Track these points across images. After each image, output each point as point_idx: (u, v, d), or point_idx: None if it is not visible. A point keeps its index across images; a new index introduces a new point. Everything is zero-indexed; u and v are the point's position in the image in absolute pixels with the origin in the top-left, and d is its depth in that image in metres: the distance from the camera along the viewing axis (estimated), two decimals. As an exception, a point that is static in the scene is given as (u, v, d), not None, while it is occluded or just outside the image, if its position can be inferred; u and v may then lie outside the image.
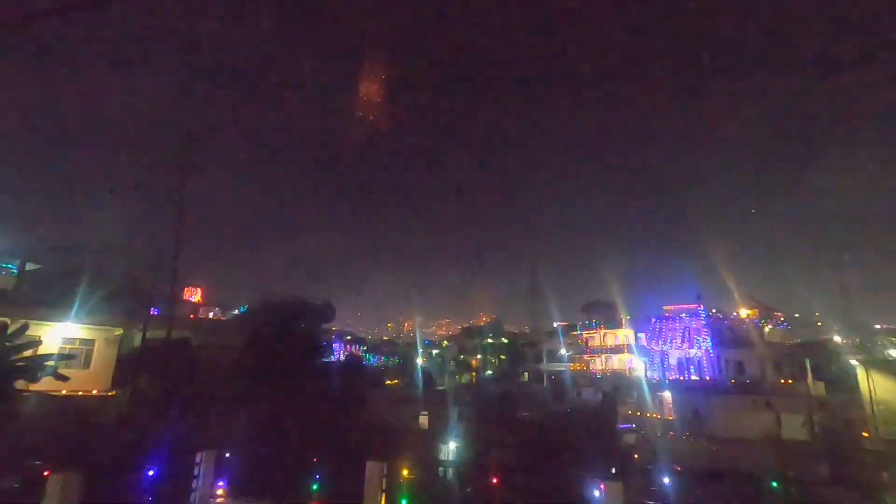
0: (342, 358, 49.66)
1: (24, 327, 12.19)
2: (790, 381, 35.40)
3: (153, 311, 43.89)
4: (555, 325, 66.41)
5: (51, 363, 12.65)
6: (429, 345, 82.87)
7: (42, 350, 18.26)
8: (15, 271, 28.54)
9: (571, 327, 62.11)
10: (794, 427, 26.38)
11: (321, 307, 33.03)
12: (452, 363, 63.57)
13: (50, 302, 20.94)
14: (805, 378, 32.76)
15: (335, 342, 53.27)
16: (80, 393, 17.78)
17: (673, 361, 46.12)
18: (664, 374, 43.74)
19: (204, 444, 9.70)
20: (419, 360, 61.42)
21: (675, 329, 46.68)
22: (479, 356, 62.94)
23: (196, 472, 7.74)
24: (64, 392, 17.56)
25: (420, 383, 46.58)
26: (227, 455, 8.17)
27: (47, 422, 13.35)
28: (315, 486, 7.95)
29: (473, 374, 60.47)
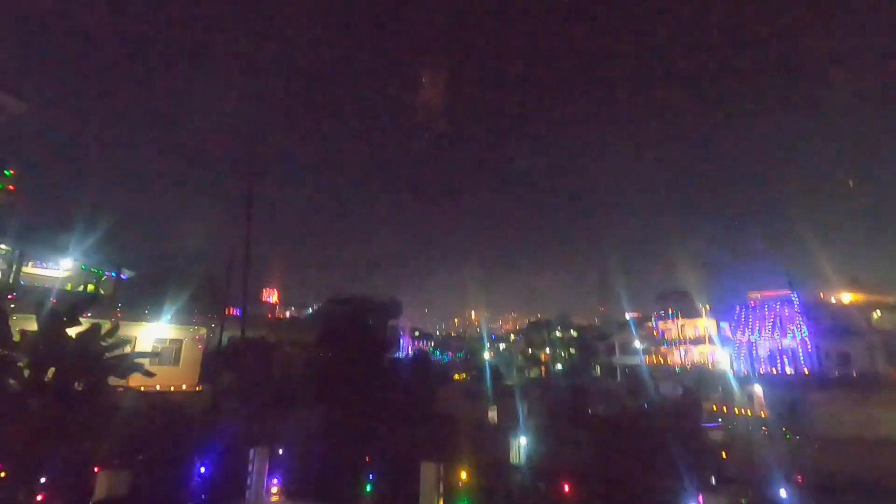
0: (410, 353, 50.48)
1: (116, 327, 13.26)
2: (908, 374, 31.19)
3: (235, 312, 46.97)
4: (627, 316, 63.41)
5: (140, 360, 13.63)
6: (496, 339, 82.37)
7: (138, 348, 19.97)
8: (115, 276, 31.51)
9: (645, 318, 58.97)
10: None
11: (388, 304, 33.64)
12: (520, 357, 62.64)
13: (143, 305, 22.88)
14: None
15: (402, 338, 54.18)
16: (172, 388, 19.16)
17: (763, 353, 42.27)
18: (753, 367, 40.18)
19: (273, 439, 9.99)
20: (486, 355, 61.11)
21: (765, 317, 42.73)
22: (547, 350, 61.53)
23: (249, 469, 7.79)
24: (157, 387, 19.03)
25: (488, 378, 46.20)
26: (281, 452, 8.06)
27: (140, 416, 14.33)
28: (368, 487, 7.62)
29: (542, 368, 59.22)
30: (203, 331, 21.32)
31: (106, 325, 12.79)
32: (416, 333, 77.87)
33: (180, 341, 21.22)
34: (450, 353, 76.78)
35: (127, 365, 12.47)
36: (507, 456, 20.98)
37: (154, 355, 17.13)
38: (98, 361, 11.28)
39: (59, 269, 28.55)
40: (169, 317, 21.05)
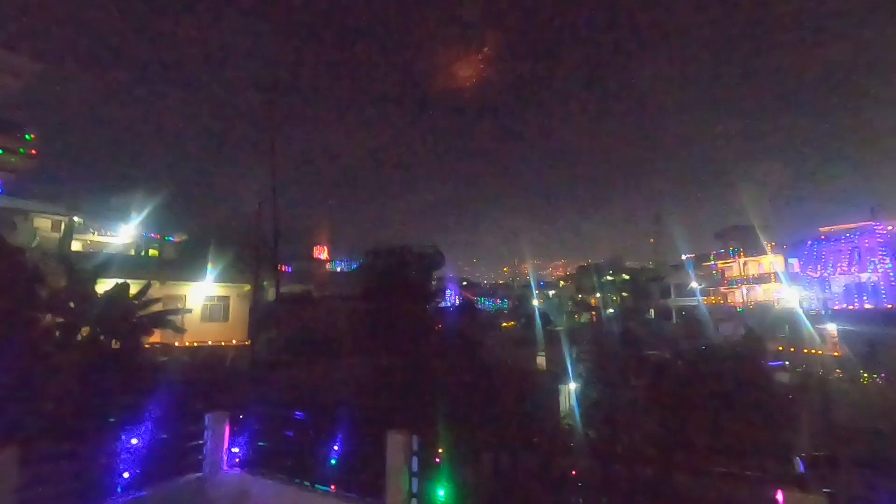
0: (456, 303, 50.64)
1: (147, 286, 13.60)
2: None
3: (287, 269, 48.55)
4: (683, 256, 60.26)
5: (172, 317, 13.95)
6: (545, 286, 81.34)
7: (188, 306, 20.73)
8: (171, 240, 33.04)
9: (704, 258, 55.80)
10: None
11: (430, 254, 33.36)
12: (570, 303, 61.61)
13: (192, 265, 23.67)
14: None
15: (449, 287, 54.36)
16: (223, 343, 19.88)
17: (837, 289, 39.00)
18: (826, 304, 37.21)
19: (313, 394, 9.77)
20: (535, 302, 60.47)
21: (840, 251, 39.09)
22: (598, 295, 60.01)
23: (204, 437, 7.32)
24: (210, 343, 19.78)
25: (537, 325, 45.73)
26: (241, 417, 7.43)
27: (191, 369, 14.75)
28: (333, 461, 6.70)
29: (593, 313, 58.02)
30: (248, 287, 21.84)
31: (137, 286, 13.12)
32: (465, 283, 78.17)
33: (227, 298, 21.91)
34: (498, 301, 76.90)
35: (156, 321, 12.77)
36: (556, 403, 20.64)
37: (187, 311, 17.71)
38: (127, 319, 11.56)
39: (120, 236, 30.05)
40: (215, 275, 21.64)
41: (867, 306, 34.97)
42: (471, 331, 29.39)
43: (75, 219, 25.01)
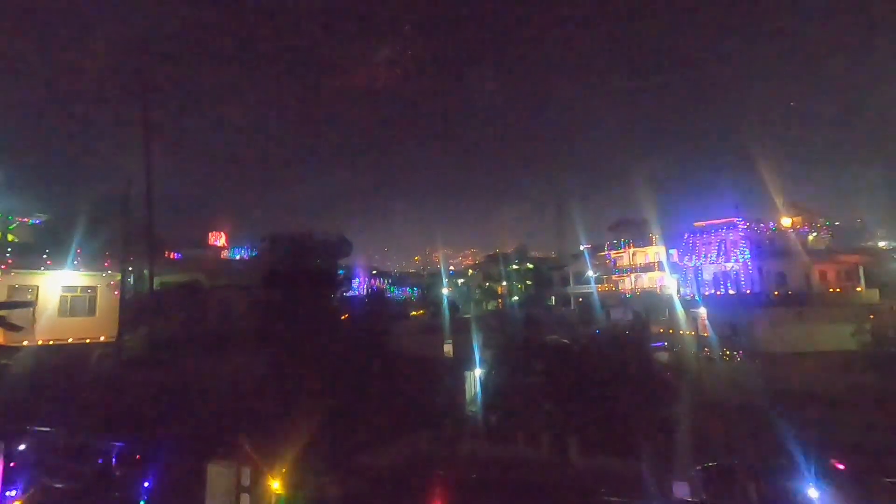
0: (365, 292, 49.51)
1: None
2: (839, 290, 33.07)
3: (176, 256, 43.90)
4: (581, 247, 64.44)
5: (1, 312, 11.70)
6: (454, 275, 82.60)
7: (42, 298, 17.72)
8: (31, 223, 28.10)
9: (599, 248, 60.11)
10: (842, 338, 24.56)
11: (335, 241, 32.03)
12: (478, 291, 63.13)
13: (53, 251, 20.25)
14: (855, 287, 30.38)
15: (357, 276, 52.95)
16: (88, 341, 17.29)
17: (708, 277, 43.96)
18: (698, 290, 41.79)
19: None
20: (444, 291, 61.11)
21: (711, 243, 44.05)
22: (504, 283, 62.15)
23: None
24: (70, 340, 17.11)
25: (445, 313, 46.18)
26: (22, 448, 5.90)
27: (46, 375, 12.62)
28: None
29: (499, 300, 60.00)
30: (118, 276, 19.14)
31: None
32: (374, 272, 76.80)
33: (94, 288, 19.05)
34: (408, 290, 76.67)
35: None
36: (462, 389, 20.81)
37: (25, 305, 15.05)
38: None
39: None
40: (79, 263, 18.68)
41: (731, 292, 39.87)
42: (378, 320, 28.76)
43: None
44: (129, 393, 10.86)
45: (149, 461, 5.24)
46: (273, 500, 4.58)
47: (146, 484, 5.10)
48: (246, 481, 4.63)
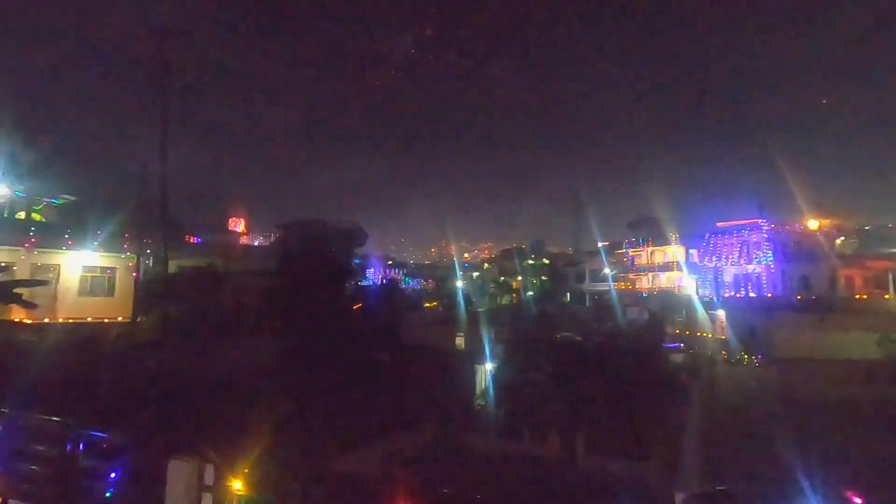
0: (380, 282, 49.78)
1: None
2: (865, 296, 31.96)
3: (196, 241, 44.61)
4: (598, 244, 63.59)
5: (20, 290, 11.97)
6: (469, 268, 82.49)
7: (63, 277, 18.13)
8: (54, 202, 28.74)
9: (617, 246, 59.22)
10: (867, 346, 23.74)
11: (350, 230, 32.11)
12: (492, 285, 62.87)
13: (75, 231, 20.70)
14: (883, 294, 29.31)
15: (372, 266, 53.23)
16: (106, 321, 17.67)
17: (728, 278, 42.99)
18: (718, 292, 40.91)
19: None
20: (458, 283, 61.04)
21: (732, 244, 43.01)
22: (519, 278, 61.78)
23: None
24: (89, 319, 17.50)
25: (459, 305, 46.11)
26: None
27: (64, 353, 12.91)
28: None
29: (514, 295, 59.68)
30: (134, 258, 19.49)
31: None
32: (389, 262, 77.15)
33: (113, 269, 19.45)
34: (422, 281, 76.90)
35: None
36: (472, 384, 20.76)
37: (38, 283, 15.34)
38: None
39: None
40: (99, 243, 19.08)
41: (751, 295, 38.92)
42: (391, 310, 28.84)
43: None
44: (131, 375, 11.00)
45: (122, 451, 5.16)
46: (235, 501, 4.44)
47: (113, 475, 5.03)
48: (209, 480, 4.47)
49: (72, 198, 28.90)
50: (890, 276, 31.88)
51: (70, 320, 17.24)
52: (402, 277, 69.11)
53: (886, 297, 31.33)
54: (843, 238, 45.42)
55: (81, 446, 5.13)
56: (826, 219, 48.01)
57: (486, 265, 79.89)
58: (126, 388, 9.72)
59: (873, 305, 29.98)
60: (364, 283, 37.87)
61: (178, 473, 4.20)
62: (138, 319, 18.78)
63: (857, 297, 32.09)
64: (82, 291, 18.78)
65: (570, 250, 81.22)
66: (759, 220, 42.08)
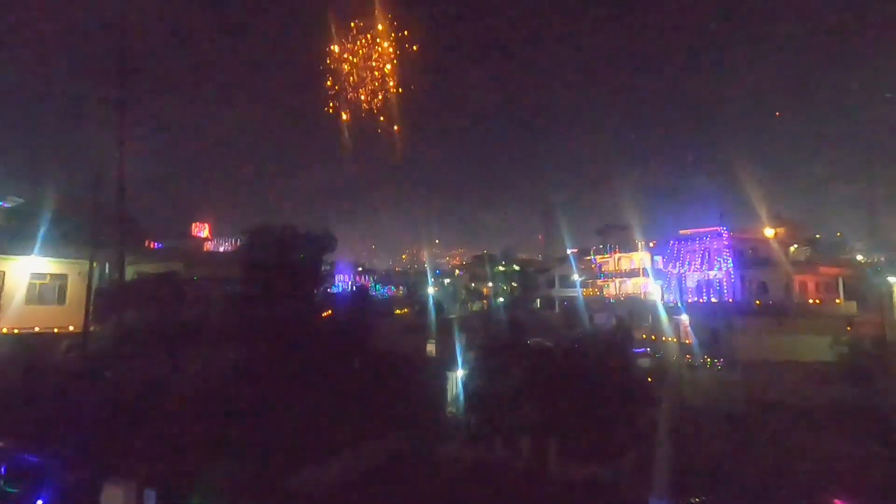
0: (350, 289, 49.00)
1: None
2: (818, 302, 33.48)
3: (156, 246, 42.85)
4: (567, 250, 64.64)
5: None
6: (441, 274, 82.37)
7: (8, 285, 17.02)
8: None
9: (585, 253, 60.33)
10: (821, 349, 24.79)
11: (320, 236, 31.46)
12: (463, 291, 62.93)
13: (23, 236, 19.49)
14: (834, 299, 30.77)
15: (342, 272, 52.40)
16: (55, 330, 16.65)
17: (691, 284, 44.28)
18: (682, 297, 42.08)
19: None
20: (430, 290, 60.82)
21: (695, 251, 44.37)
22: (490, 284, 62.06)
23: None
24: (36, 329, 16.48)
25: (430, 312, 45.87)
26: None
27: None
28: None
29: (484, 301, 59.86)
30: (87, 265, 18.45)
31: None
32: (360, 268, 76.20)
33: (65, 276, 18.37)
34: (393, 288, 76.24)
35: None
36: (443, 391, 20.56)
37: None
38: None
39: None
40: (49, 249, 17.99)
41: (713, 300, 40.21)
42: (361, 318, 28.37)
43: None
44: (78, 389, 10.30)
45: (51, 475, 4.68)
46: None
47: (40, 502, 4.55)
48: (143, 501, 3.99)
49: (21, 200, 27.33)
50: (841, 282, 33.54)
51: (15, 330, 16.16)
52: (373, 284, 68.32)
53: (838, 301, 32.95)
54: (796, 245, 47.59)
55: (2, 470, 4.63)
56: (781, 227, 50.23)
57: (457, 272, 80.00)
58: (72, 403, 9.08)
59: (826, 310, 31.48)
60: (333, 289, 37.24)
61: (114, 498, 3.75)
62: (91, 329, 17.76)
63: (811, 301, 33.65)
64: (30, 299, 17.61)
65: (539, 257, 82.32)
66: (720, 228, 43.62)
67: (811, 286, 35.91)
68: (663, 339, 34.06)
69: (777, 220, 50.86)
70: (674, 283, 45.98)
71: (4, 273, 17.27)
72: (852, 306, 30.87)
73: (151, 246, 40.35)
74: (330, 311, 27.97)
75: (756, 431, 11.58)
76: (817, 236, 59.34)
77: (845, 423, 12.37)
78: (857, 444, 11.42)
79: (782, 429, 12.30)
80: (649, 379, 19.60)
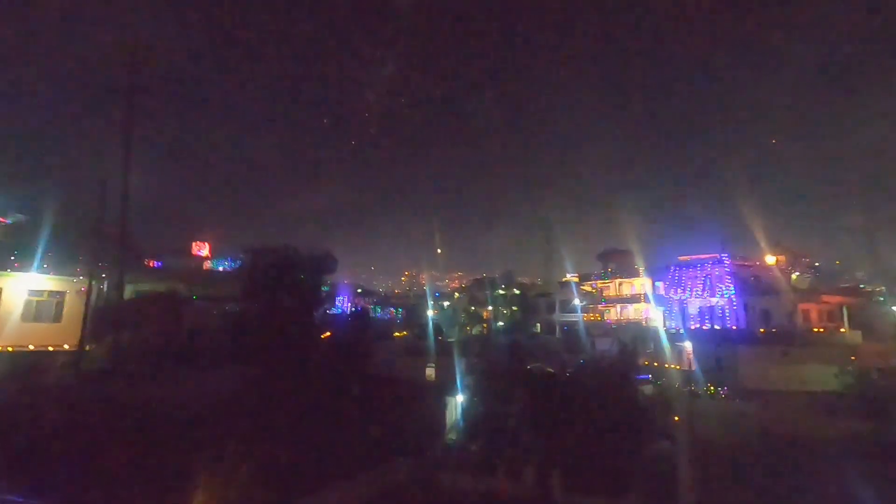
0: (350, 310, 48.65)
1: None
2: (822, 330, 33.15)
3: (156, 265, 42.69)
4: (568, 275, 64.48)
5: None
6: (440, 297, 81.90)
7: (5, 302, 16.82)
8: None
9: (586, 277, 60.16)
10: (827, 378, 24.40)
11: (320, 257, 31.33)
12: (463, 315, 62.45)
13: (22, 252, 19.37)
14: (839, 327, 30.47)
15: (342, 294, 52.09)
16: (50, 348, 16.37)
17: (693, 311, 44.01)
18: (684, 324, 41.74)
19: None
20: (429, 312, 60.37)
21: (696, 277, 44.25)
22: (490, 308, 61.64)
23: None
24: (31, 347, 16.22)
25: (429, 335, 45.42)
26: None
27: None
28: None
29: (484, 325, 59.35)
30: (86, 282, 18.26)
31: None
32: (359, 290, 75.81)
33: (62, 294, 18.17)
34: (393, 310, 75.72)
35: None
36: (443, 416, 20.13)
37: None
38: None
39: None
40: (47, 266, 17.84)
41: (716, 327, 39.87)
42: (360, 340, 28.02)
43: None
44: (70, 411, 9.99)
45: None
46: None
47: None
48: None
49: (22, 216, 27.33)
50: (844, 311, 33.26)
51: (9, 348, 15.88)
52: (372, 306, 67.89)
53: (842, 330, 32.60)
54: (798, 273, 47.53)
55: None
56: (782, 255, 50.27)
57: (456, 294, 79.53)
58: (60, 426, 8.78)
59: (830, 338, 31.10)
60: (333, 311, 36.93)
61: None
62: (87, 348, 17.47)
63: (815, 330, 33.31)
64: (26, 317, 17.36)
65: (540, 281, 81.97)
66: (721, 255, 43.60)
67: (814, 314, 35.63)
68: (666, 365, 33.59)
69: (778, 248, 50.96)
70: (675, 309, 45.71)
71: (1, 289, 17.10)
72: (857, 336, 30.54)
73: (151, 264, 40.22)
74: (330, 333, 27.67)
75: (779, 470, 11.07)
76: (816, 264, 59.50)
77: (874, 464, 11.75)
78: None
79: (799, 463, 11.82)
80: (654, 408, 19.19)
